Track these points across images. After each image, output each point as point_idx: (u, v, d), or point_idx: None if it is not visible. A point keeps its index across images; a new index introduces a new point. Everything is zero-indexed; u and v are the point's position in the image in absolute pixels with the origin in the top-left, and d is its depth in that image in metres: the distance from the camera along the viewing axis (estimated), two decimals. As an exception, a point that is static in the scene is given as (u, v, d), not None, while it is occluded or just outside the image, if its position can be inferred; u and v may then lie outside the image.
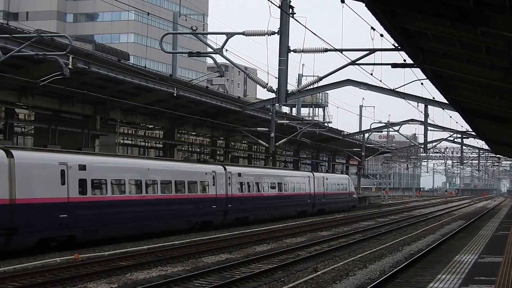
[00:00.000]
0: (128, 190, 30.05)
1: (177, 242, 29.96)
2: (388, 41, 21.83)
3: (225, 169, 39.69)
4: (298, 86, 29.50)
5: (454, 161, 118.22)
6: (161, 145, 49.26)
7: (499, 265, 18.68)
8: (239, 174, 41.35)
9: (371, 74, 26.70)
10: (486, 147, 75.75)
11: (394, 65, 23.87)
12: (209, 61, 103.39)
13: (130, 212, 30.07)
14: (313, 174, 56.46)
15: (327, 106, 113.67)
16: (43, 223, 24.94)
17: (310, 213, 54.09)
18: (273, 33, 25.75)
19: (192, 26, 28.55)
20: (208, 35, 32.90)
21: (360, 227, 43.04)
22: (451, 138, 72.77)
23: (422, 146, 62.39)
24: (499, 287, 14.39)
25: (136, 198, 30.55)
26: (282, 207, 48.18)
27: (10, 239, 23.61)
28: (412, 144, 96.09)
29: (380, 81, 29.63)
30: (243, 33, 26.60)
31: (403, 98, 39.18)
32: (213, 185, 37.63)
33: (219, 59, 30.60)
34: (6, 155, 23.89)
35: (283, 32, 25.41)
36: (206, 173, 37.15)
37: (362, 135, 75.58)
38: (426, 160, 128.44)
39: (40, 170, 25.32)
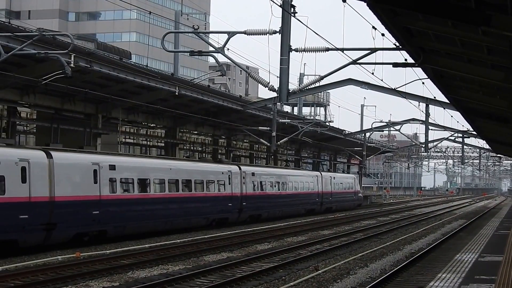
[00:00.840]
0: (153, 188, 31.79)
1: (178, 240, 30.02)
2: (390, 41, 21.91)
3: (240, 168, 41.52)
4: (299, 85, 29.50)
5: (455, 160, 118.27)
6: (163, 144, 49.36)
7: (499, 264, 18.72)
8: (253, 174, 43.29)
9: (372, 73, 26.74)
10: (487, 146, 75.84)
11: (396, 65, 23.88)
12: (211, 60, 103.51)
13: (154, 209, 31.70)
14: (321, 174, 58.31)
15: (329, 105, 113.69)
16: (78, 219, 26.84)
17: (318, 211, 55.73)
18: (275, 32, 25.80)
19: (194, 25, 28.64)
20: (210, 34, 32.99)
21: (361, 226, 43.10)
22: (452, 138, 72.87)
23: (423, 146, 62.37)
24: (499, 286, 14.42)
25: (160, 196, 32.30)
26: (292, 205, 49.95)
27: (49, 234, 25.33)
28: (413, 143, 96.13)
29: (381, 80, 29.65)
30: (244, 32, 26.66)
31: (404, 98, 39.23)
32: (229, 184, 39.45)
33: (221, 58, 30.67)
34: (46, 156, 25.72)
35: (285, 31, 25.46)
36: (222, 173, 38.96)
37: (363, 135, 75.61)
38: (427, 160, 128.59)
39: (76, 169, 27.16)
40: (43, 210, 25.00)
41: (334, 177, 61.51)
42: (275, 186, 46.84)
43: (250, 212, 42.55)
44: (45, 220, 25.13)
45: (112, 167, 28.94)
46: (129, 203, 29.96)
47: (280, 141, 52.79)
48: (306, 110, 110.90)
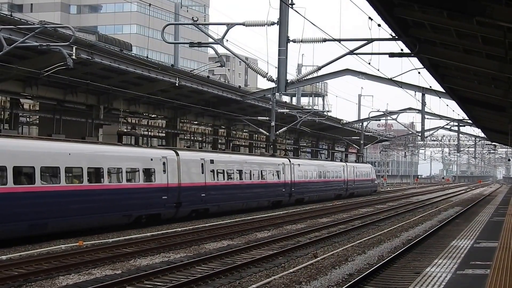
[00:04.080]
0: (236, 177, 40.99)
1: (179, 229, 30.28)
2: (386, 31, 22.09)
3: (289, 161, 50.40)
4: (297, 76, 29.70)
5: (451, 148, 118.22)
6: (164, 134, 49.67)
7: (494, 250, 18.73)
8: (299, 165, 52.09)
9: (369, 63, 26.97)
10: (482, 135, 76.00)
11: (392, 55, 24.04)
12: (211, 51, 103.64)
13: (237, 193, 40.82)
14: (346, 164, 67.45)
15: (327, 95, 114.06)
16: (193, 199, 35.49)
17: (344, 196, 64.91)
18: (273, 23, 25.83)
19: (193, 17, 28.77)
20: (209, 25, 33.20)
21: (359, 214, 43.28)
22: (448, 126, 73.12)
23: (420, 134, 62.74)
24: (494, 271, 14.55)
25: (239, 183, 41.31)
26: (326, 191, 59.21)
27: (177, 210, 33.89)
28: (410, 132, 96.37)
29: (378, 70, 29.87)
30: (243, 24, 26.73)
31: (401, 87, 39.51)
32: (283, 173, 48.38)
33: (220, 49, 30.84)
34: (176, 154, 34.08)
35: (283, 22, 25.51)
36: (278, 164, 47.95)
37: (361, 124, 75.92)
38: (423, 148, 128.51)
39: (192, 164, 35.76)
40: (175, 193, 33.43)
41: (356, 167, 69.94)
42: (315, 175, 55.74)
43: (297, 196, 51.43)
44: (176, 200, 33.61)
45: (212, 161, 37.64)
46: (223, 188, 38.83)
47: (279, 131, 53.16)
48: (304, 100, 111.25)
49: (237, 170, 41.17)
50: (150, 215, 31.58)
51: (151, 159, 31.70)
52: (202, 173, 36.41)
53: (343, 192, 64.97)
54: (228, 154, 43.78)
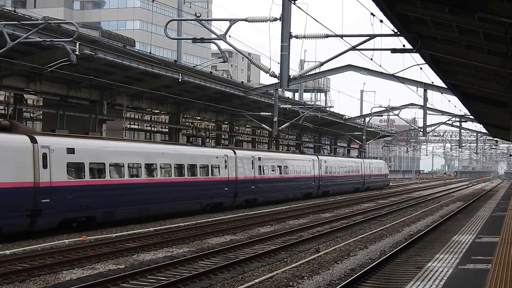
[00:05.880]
0: (278, 172, 46.90)
1: (182, 224, 30.39)
2: (388, 27, 22.10)
3: (318, 158, 56.78)
4: (300, 71, 29.75)
5: (452, 144, 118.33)
6: (167, 130, 49.77)
7: (495, 245, 18.74)
8: (325, 161, 58.37)
9: (371, 59, 26.97)
10: (484, 130, 76.02)
11: (394, 50, 24.06)
12: (213, 47, 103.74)
13: (278, 185, 46.89)
14: (363, 161, 72.91)
15: (329, 91, 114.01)
16: (246, 191, 41.48)
17: (361, 189, 70.86)
18: (275, 19, 25.82)
19: (196, 13, 28.82)
20: (212, 21, 33.28)
21: (361, 209, 43.31)
22: (450, 122, 73.12)
23: (422, 130, 62.62)
24: (495, 265, 14.59)
25: (280, 177, 47.36)
26: (347, 184, 65.45)
27: (234, 199, 40.03)
28: (412, 127, 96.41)
29: (380, 66, 29.81)
30: (246, 20, 26.73)
31: (403, 83, 39.49)
32: (313, 168, 54.67)
33: (223, 45, 30.93)
34: (234, 152, 40.24)
35: (285, 18, 25.51)
36: (309, 161, 54.46)
37: (363, 119, 75.94)
38: (425, 143, 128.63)
39: (245, 160, 41.64)
40: (233, 185, 39.57)
41: (371, 163, 76.19)
42: (337, 170, 61.84)
43: (324, 189, 57.63)
44: (234, 191, 39.75)
45: (259, 159, 43.65)
46: (267, 181, 44.97)
47: (282, 126, 53.26)
48: (306, 96, 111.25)
49: (277, 166, 47.14)
50: (215, 203, 38.00)
51: (216, 157, 38.16)
52: (252, 168, 42.57)
53: (361, 185, 70.95)
54: (271, 152, 52.12)
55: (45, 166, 24.83)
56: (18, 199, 23.81)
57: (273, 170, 46.13)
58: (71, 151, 26.34)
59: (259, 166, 43.55)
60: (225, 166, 38.73)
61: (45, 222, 25.01)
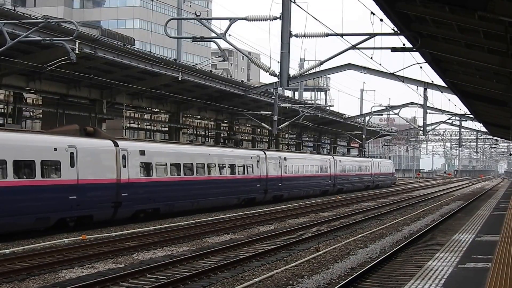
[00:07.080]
0: (300, 171, 51.47)
1: (182, 223, 30.39)
2: (388, 26, 22.07)
3: (333, 158, 61.32)
4: (300, 70, 29.72)
5: (452, 143, 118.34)
6: (167, 129, 49.76)
7: (495, 244, 18.77)
8: (340, 160, 63.07)
9: (371, 58, 27.00)
10: (484, 129, 76.00)
11: (394, 49, 24.00)
12: (213, 46, 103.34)
13: (300, 183, 51.75)
14: (372, 160, 78.66)
15: (329, 90, 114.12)
16: (274, 187, 46.09)
17: (371, 187, 75.66)
18: (275, 18, 25.82)
19: (196, 12, 28.84)
20: (212, 20, 33.26)
21: (361, 208, 43.36)
22: (450, 121, 73.11)
23: (422, 129, 62.69)
24: (495, 264, 14.61)
25: (302, 175, 51.99)
26: (358, 182, 70.42)
27: (265, 195, 44.74)
28: (412, 126, 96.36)
29: (380, 65, 29.79)
30: (245, 18, 26.73)
31: (403, 82, 39.48)
32: (329, 167, 59.24)
33: (223, 44, 30.92)
34: (264, 153, 45.14)
35: (285, 17, 25.46)
36: (326, 161, 58.83)
37: (363, 118, 75.98)
38: (425, 142, 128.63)
39: (273, 160, 46.16)
40: (264, 182, 44.31)
41: (380, 162, 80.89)
42: (352, 169, 66.81)
43: (339, 186, 62.36)
44: (264, 187, 44.42)
45: (285, 159, 48.29)
46: (292, 179, 49.51)
47: (282, 125, 53.25)
48: (306, 95, 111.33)
49: (300, 165, 51.63)
50: (249, 199, 42.52)
51: (251, 157, 42.75)
52: (279, 167, 46.98)
53: (370, 183, 75.56)
54: (294, 153, 56.08)
55: (124, 166, 29.39)
56: (106, 193, 28.37)
57: (296, 169, 50.53)
58: (142, 153, 30.82)
59: (285, 166, 48.07)
60: (258, 165, 43.42)
61: (124, 213, 29.58)
